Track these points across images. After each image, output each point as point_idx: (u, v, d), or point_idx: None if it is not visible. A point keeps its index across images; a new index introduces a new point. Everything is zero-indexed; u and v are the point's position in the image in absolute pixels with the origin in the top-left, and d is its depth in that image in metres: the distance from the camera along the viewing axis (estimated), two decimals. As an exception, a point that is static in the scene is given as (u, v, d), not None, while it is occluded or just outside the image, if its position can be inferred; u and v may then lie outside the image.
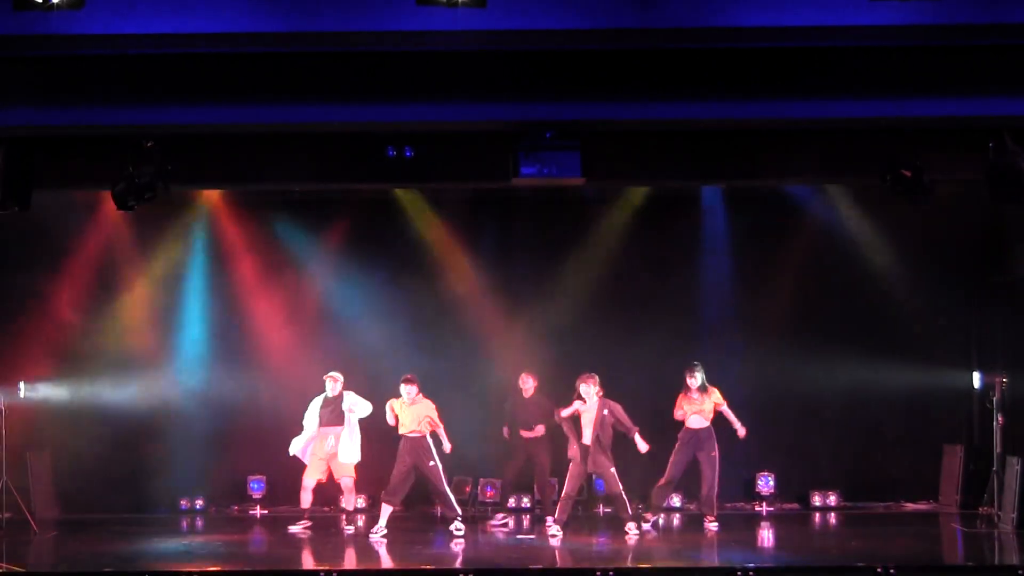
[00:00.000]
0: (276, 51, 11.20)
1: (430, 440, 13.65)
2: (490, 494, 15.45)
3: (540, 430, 14.59)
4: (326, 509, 15.61)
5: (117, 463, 15.65)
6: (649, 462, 14.07)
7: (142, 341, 15.91)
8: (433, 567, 12.14)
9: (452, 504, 13.68)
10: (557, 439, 14.54)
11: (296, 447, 14.36)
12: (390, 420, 13.72)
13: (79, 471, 15.50)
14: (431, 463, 13.59)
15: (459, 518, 13.57)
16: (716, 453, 14.09)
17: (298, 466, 15.16)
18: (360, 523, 14.55)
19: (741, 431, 14.03)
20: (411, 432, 13.63)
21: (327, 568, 11.43)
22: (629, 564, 12.18)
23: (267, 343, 16.00)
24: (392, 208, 15.94)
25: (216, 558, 12.77)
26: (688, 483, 14.74)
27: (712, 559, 12.66)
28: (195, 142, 12.61)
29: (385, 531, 13.55)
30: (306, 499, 14.32)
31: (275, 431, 15.68)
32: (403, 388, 13.69)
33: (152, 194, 12.38)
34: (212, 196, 15.76)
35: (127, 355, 15.87)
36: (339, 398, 14.29)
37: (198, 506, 15.77)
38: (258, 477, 15.85)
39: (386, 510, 13.64)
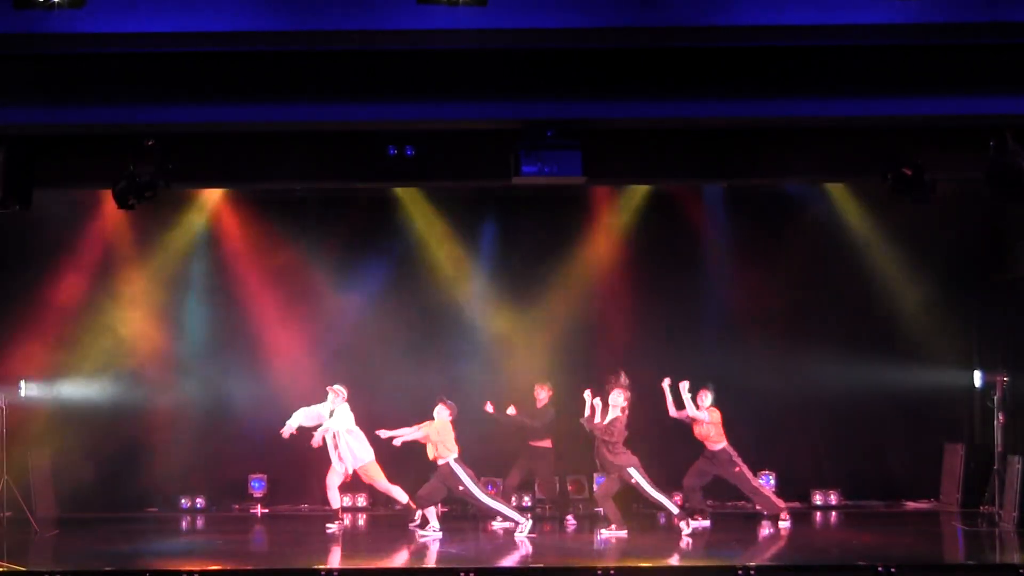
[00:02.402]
0: (276, 50, 11.20)
1: (454, 466, 13.65)
2: (491, 492, 15.43)
3: (547, 441, 14.62)
4: (327, 509, 15.65)
5: (117, 463, 15.65)
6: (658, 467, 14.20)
7: (143, 340, 15.90)
8: (433, 567, 12.14)
9: (510, 515, 13.73)
10: (558, 449, 14.68)
11: (295, 422, 14.25)
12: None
13: (79, 470, 15.48)
14: (460, 488, 13.62)
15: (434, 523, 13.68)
16: (739, 468, 14.16)
17: (298, 465, 15.21)
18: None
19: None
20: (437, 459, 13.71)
21: (327, 568, 11.42)
22: (629, 564, 12.16)
23: (268, 342, 16.00)
24: (393, 207, 15.94)
25: (216, 557, 12.75)
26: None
27: (712, 558, 12.64)
28: (195, 141, 12.62)
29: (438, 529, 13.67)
30: (335, 499, 14.27)
31: (275, 430, 15.62)
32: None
33: (153, 193, 12.40)
34: (213, 195, 15.75)
35: (128, 354, 15.87)
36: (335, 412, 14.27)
37: (199, 505, 15.77)
38: (259, 476, 15.85)
39: (429, 511, 13.73)
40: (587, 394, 13.76)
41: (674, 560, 12.25)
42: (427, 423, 13.80)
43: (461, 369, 15.60)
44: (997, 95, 11.48)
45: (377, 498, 15.39)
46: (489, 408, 14.57)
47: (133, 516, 15.34)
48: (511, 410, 14.48)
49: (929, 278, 15.88)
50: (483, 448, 14.88)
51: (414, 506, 14.03)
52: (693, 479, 14.29)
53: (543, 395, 14.63)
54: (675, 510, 13.63)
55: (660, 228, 16.03)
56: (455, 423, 13.86)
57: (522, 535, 13.41)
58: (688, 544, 13.05)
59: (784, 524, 14.05)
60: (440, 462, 13.67)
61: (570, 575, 11.79)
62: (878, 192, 13.55)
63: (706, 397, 14.17)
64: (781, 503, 14.34)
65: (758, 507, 14.51)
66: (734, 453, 14.20)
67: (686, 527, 13.49)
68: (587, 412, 13.71)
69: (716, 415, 14.16)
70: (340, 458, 14.13)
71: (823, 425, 15.94)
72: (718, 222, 16.07)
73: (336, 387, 14.27)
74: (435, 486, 13.76)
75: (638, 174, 13.68)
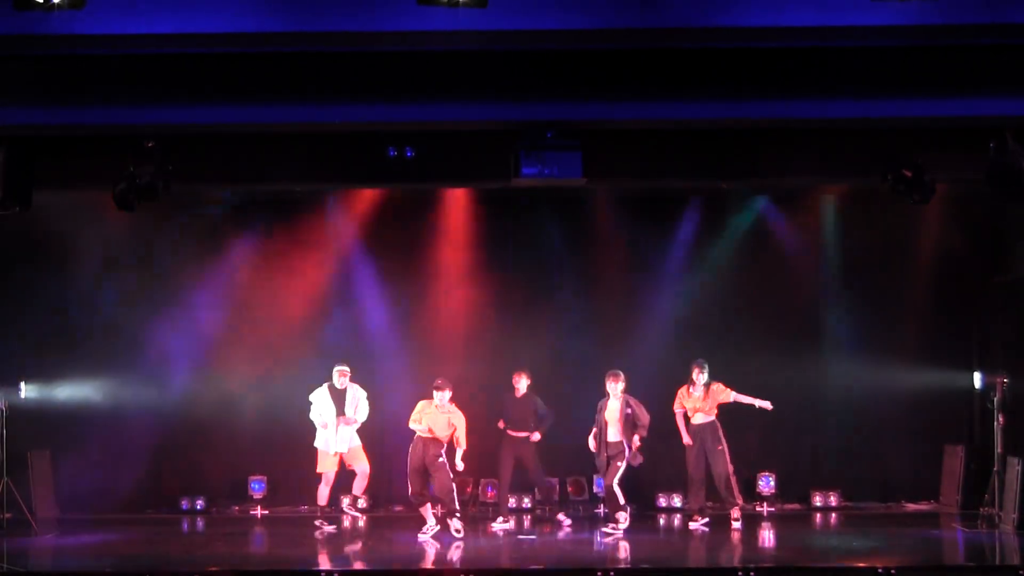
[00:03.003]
0: (276, 51, 11.20)
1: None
2: (491, 495, 15.45)
3: (532, 431, 14.57)
4: (327, 510, 15.69)
5: (117, 463, 15.64)
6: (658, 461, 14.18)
7: (142, 341, 15.89)
8: (433, 567, 12.15)
9: (454, 501, 13.59)
10: (545, 438, 14.61)
11: (321, 442, 14.23)
12: (416, 427, 13.60)
13: (79, 471, 15.49)
14: (440, 460, 13.52)
15: (458, 515, 13.50)
16: (722, 447, 14.11)
17: (298, 467, 15.19)
18: (361, 522, 14.53)
19: (766, 405, 13.99)
20: (433, 435, 13.57)
21: (327, 568, 11.41)
22: (629, 564, 12.17)
23: (268, 343, 15.99)
24: (393, 208, 15.93)
25: (216, 558, 12.75)
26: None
27: (713, 559, 12.65)
28: (196, 142, 12.62)
29: (437, 528, 13.55)
30: (324, 494, 14.26)
31: (275, 431, 15.71)
32: (436, 394, 13.60)
33: (153, 194, 12.40)
34: (213, 196, 15.74)
35: (127, 355, 15.85)
36: (344, 391, 14.27)
37: (198, 506, 15.76)
38: (259, 477, 15.84)
39: (426, 510, 13.64)
40: (591, 441, 13.80)
41: (674, 561, 12.24)
42: (436, 415, 13.58)
43: (463, 370, 15.58)
44: (997, 96, 11.50)
45: (378, 500, 15.37)
46: (501, 425, 14.60)
47: (133, 517, 15.34)
48: (536, 436, 14.50)
49: (929, 279, 15.88)
50: (484, 448, 14.86)
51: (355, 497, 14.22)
52: (696, 470, 14.19)
53: (522, 384, 14.59)
54: (623, 517, 13.59)
55: (660, 228, 16.03)
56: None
57: (425, 536, 13.35)
58: (610, 545, 13.09)
59: (735, 524, 13.99)
60: (431, 436, 13.54)
61: (570, 576, 11.82)
62: (878, 193, 13.55)
63: (702, 376, 14.17)
64: (740, 500, 14.28)
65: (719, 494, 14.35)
66: (721, 430, 14.15)
67: (613, 528, 13.52)
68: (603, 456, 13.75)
69: (718, 388, 14.18)
70: (328, 443, 14.13)
71: (823, 426, 15.94)
72: (719, 222, 16.06)
73: (343, 367, 14.26)
74: (417, 469, 13.57)
75: (638, 175, 13.67)
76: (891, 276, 15.93)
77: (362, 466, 14.31)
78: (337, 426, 14.17)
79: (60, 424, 15.65)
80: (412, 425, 13.57)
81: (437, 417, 13.55)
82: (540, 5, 10.71)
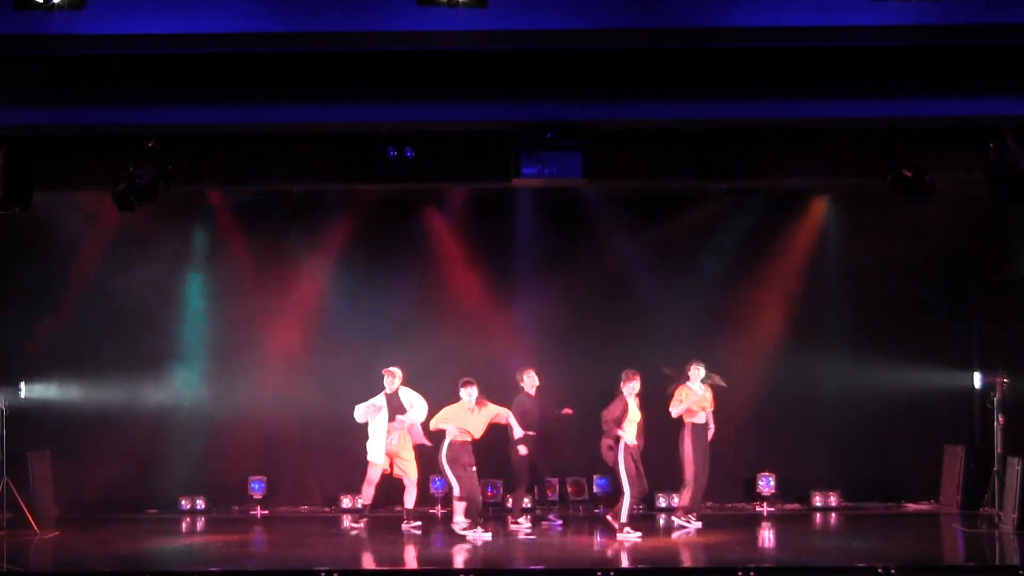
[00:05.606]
0: (277, 51, 11.21)
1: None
2: (490, 494, 15.44)
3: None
4: (327, 510, 15.69)
5: (117, 463, 15.63)
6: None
7: (143, 341, 15.89)
8: (433, 567, 12.14)
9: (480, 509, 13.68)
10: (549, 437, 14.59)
11: (374, 454, 14.10)
12: (453, 432, 13.61)
13: (79, 471, 15.49)
14: (473, 467, 13.65)
15: (481, 523, 13.60)
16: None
17: (297, 467, 15.19)
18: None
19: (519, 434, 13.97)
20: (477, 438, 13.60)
21: (327, 568, 11.42)
22: (629, 564, 12.17)
23: (267, 342, 15.99)
24: (393, 208, 15.94)
25: (216, 558, 12.75)
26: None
27: (712, 559, 12.64)
28: (196, 142, 12.64)
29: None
30: (368, 494, 14.15)
31: (275, 431, 15.71)
32: (464, 392, 13.67)
33: (153, 194, 12.40)
34: (213, 196, 15.74)
35: (128, 355, 15.86)
36: (396, 394, 14.13)
37: (198, 506, 15.76)
38: (259, 477, 15.83)
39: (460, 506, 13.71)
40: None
41: (674, 561, 12.24)
42: (471, 416, 13.68)
43: (463, 371, 15.57)
44: (997, 96, 11.50)
45: (377, 499, 15.36)
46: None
47: (133, 517, 15.33)
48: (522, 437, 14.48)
49: (929, 278, 15.89)
50: (484, 447, 14.86)
51: (411, 512, 14.11)
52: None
53: (535, 381, 14.53)
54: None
55: (659, 228, 16.03)
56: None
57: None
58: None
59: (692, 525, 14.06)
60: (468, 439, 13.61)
61: (570, 576, 11.82)
62: (878, 193, 13.55)
63: (701, 369, 14.17)
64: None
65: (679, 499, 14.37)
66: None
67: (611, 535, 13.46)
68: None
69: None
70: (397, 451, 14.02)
71: (823, 426, 15.94)
72: (718, 222, 16.07)
73: (392, 369, 14.11)
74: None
75: (638, 175, 13.69)
76: (891, 276, 15.93)
77: (410, 479, 14.15)
78: (388, 433, 14.05)
79: (60, 424, 15.66)
80: (442, 425, 13.60)
81: (473, 419, 13.57)
82: (540, 5, 10.72)
